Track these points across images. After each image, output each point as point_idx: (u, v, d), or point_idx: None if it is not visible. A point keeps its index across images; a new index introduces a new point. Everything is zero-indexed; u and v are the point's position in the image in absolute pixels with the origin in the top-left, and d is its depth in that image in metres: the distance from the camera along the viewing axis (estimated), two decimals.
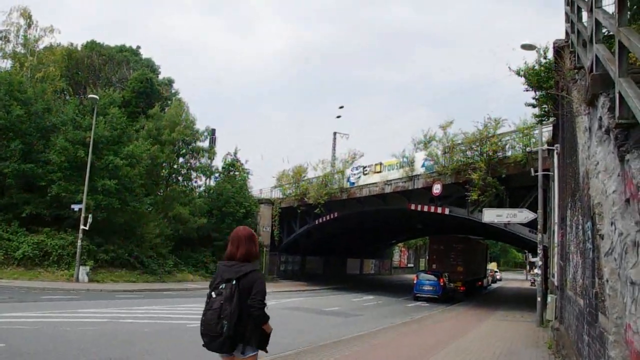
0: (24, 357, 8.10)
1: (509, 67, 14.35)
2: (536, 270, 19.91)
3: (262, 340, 4.01)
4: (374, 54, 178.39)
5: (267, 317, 3.95)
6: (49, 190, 25.11)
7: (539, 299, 17.53)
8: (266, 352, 4.12)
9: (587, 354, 5.87)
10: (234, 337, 3.83)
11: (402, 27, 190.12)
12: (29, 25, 33.79)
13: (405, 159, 27.65)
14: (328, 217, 34.29)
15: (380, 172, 29.73)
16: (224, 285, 3.91)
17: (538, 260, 18.87)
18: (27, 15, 33.40)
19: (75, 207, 24.41)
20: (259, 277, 3.99)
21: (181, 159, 35.95)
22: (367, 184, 30.75)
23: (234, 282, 3.89)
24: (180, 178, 36.45)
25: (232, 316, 3.78)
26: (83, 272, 23.71)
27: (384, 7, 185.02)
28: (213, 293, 3.95)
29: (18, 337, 9.48)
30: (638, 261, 2.93)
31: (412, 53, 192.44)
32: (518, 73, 14.10)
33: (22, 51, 33.77)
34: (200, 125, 38.04)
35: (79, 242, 23.68)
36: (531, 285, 31.90)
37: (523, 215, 19.13)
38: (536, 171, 17.75)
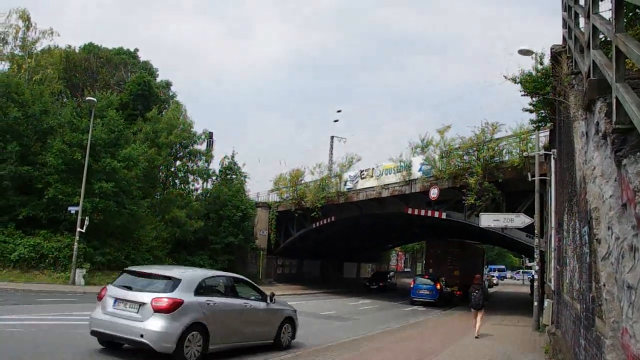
0: None
1: (504, 76, 14.40)
2: (529, 275, 19.92)
3: None
4: (372, 59, 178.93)
5: None
6: (46, 192, 25.05)
7: (535, 303, 17.55)
8: None
9: (583, 358, 5.88)
10: None
11: (400, 32, 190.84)
12: (28, 28, 33.72)
13: (402, 163, 27.68)
14: (325, 221, 34.28)
15: (377, 176, 29.74)
16: None
17: (535, 265, 18.90)
18: (25, 18, 33.34)
19: (72, 209, 24.35)
20: None
21: (178, 162, 35.93)
22: (364, 188, 30.77)
23: None
24: (177, 181, 36.42)
25: None
26: (79, 274, 23.62)
27: (383, 12, 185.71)
28: None
29: (12, 340, 9.44)
30: (635, 265, 2.95)
31: (411, 58, 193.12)
32: (514, 80, 14.15)
33: (20, 53, 33.70)
34: (197, 128, 38.06)
35: (76, 245, 23.61)
36: (531, 283, 31.93)
37: (520, 219, 19.18)
38: (533, 176, 17.79)
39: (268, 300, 10.82)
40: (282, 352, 10.41)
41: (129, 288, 8.85)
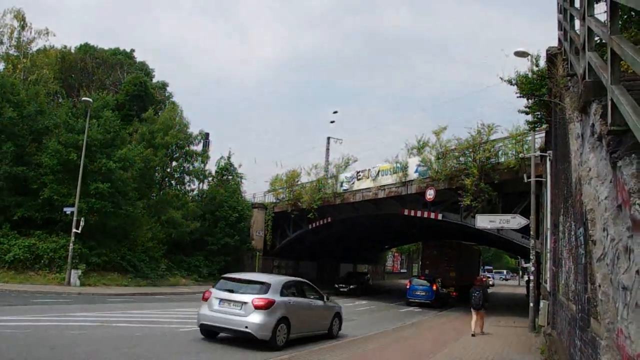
0: None
1: (500, 78, 14.46)
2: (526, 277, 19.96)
3: None
4: (369, 61, 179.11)
5: None
6: (41, 193, 24.97)
7: (531, 304, 17.60)
8: None
9: (579, 359, 5.90)
10: None
11: (397, 34, 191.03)
12: (23, 27, 33.63)
13: (398, 165, 27.70)
14: (321, 222, 34.26)
15: (373, 177, 29.75)
16: None
17: (530, 266, 18.94)
18: (20, 18, 33.24)
19: (68, 210, 24.28)
20: None
21: (174, 163, 35.88)
22: (360, 189, 30.77)
23: None
24: (173, 182, 36.38)
25: None
26: (75, 275, 23.54)
27: (379, 14, 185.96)
28: None
29: (6, 342, 9.38)
30: (630, 266, 2.96)
31: (407, 60, 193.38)
32: (510, 82, 14.21)
33: (16, 53, 33.58)
34: (193, 129, 38.03)
35: (71, 246, 23.53)
36: (527, 284, 32.02)
37: (516, 221, 19.20)
38: (529, 177, 17.83)
39: (325, 299, 13.51)
40: (334, 340, 13.00)
41: (231, 291, 11.32)
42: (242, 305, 10.87)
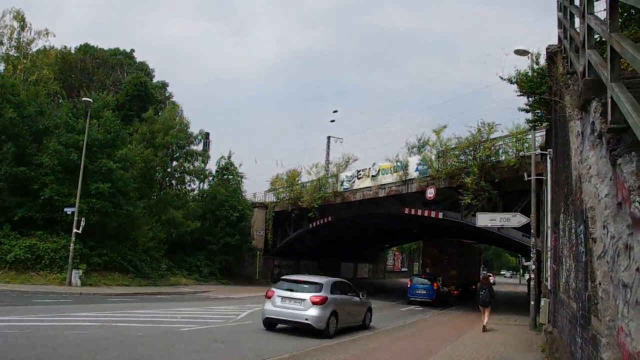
0: None
1: (500, 77, 14.44)
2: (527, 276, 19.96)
3: None
4: (369, 60, 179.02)
5: None
6: (42, 193, 24.96)
7: (532, 302, 17.60)
8: None
9: (580, 356, 5.90)
10: None
11: (397, 33, 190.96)
12: (23, 28, 33.59)
13: (399, 163, 27.71)
14: (322, 221, 34.27)
15: (374, 176, 29.76)
16: None
17: (531, 264, 18.94)
18: (20, 18, 33.20)
19: (68, 210, 24.28)
20: None
21: (175, 163, 35.88)
22: (360, 188, 30.77)
23: None
24: (173, 181, 36.38)
25: None
26: (76, 275, 23.54)
27: (379, 12, 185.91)
28: None
29: (7, 342, 9.39)
30: (630, 264, 2.96)
31: (407, 58, 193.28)
32: (510, 81, 14.19)
33: (15, 54, 33.56)
34: (194, 129, 38.00)
35: (72, 246, 23.53)
36: (528, 282, 32.07)
37: (516, 219, 19.20)
38: (529, 175, 17.83)
39: (360, 296, 15.75)
40: (367, 330, 15.25)
41: (291, 290, 13.63)
42: (302, 301, 13.14)
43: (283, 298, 13.45)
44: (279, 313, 13.39)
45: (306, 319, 12.95)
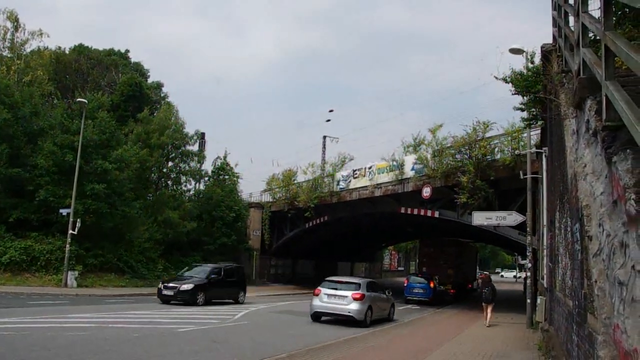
0: None
1: (494, 76, 14.47)
2: (523, 273, 20.04)
3: None
4: (365, 59, 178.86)
5: None
6: (37, 194, 24.85)
7: (528, 300, 17.65)
8: None
9: (576, 354, 5.93)
10: None
11: (393, 31, 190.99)
12: (16, 28, 33.37)
13: (395, 163, 27.74)
14: (318, 221, 34.26)
15: (370, 175, 29.78)
16: None
17: (527, 263, 19.00)
18: (13, 19, 33.01)
19: (64, 211, 24.19)
20: None
21: (170, 163, 35.77)
22: (357, 188, 30.79)
23: None
24: (169, 182, 36.25)
25: None
26: (71, 277, 23.47)
27: (375, 11, 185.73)
28: None
29: (3, 344, 9.34)
30: (626, 262, 2.97)
31: (404, 57, 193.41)
32: (505, 80, 14.22)
33: (9, 54, 33.37)
34: (189, 129, 37.89)
35: (67, 247, 23.45)
36: (524, 280, 32.19)
37: (512, 217, 19.26)
38: (525, 174, 17.89)
39: (387, 293, 18.80)
40: (392, 322, 18.17)
41: (335, 288, 16.42)
42: (345, 298, 15.97)
43: (329, 295, 16.16)
44: (326, 307, 16.15)
45: (349, 312, 15.75)
